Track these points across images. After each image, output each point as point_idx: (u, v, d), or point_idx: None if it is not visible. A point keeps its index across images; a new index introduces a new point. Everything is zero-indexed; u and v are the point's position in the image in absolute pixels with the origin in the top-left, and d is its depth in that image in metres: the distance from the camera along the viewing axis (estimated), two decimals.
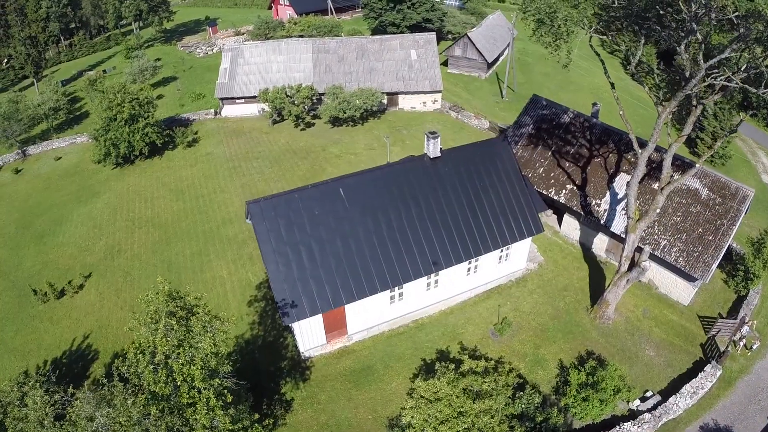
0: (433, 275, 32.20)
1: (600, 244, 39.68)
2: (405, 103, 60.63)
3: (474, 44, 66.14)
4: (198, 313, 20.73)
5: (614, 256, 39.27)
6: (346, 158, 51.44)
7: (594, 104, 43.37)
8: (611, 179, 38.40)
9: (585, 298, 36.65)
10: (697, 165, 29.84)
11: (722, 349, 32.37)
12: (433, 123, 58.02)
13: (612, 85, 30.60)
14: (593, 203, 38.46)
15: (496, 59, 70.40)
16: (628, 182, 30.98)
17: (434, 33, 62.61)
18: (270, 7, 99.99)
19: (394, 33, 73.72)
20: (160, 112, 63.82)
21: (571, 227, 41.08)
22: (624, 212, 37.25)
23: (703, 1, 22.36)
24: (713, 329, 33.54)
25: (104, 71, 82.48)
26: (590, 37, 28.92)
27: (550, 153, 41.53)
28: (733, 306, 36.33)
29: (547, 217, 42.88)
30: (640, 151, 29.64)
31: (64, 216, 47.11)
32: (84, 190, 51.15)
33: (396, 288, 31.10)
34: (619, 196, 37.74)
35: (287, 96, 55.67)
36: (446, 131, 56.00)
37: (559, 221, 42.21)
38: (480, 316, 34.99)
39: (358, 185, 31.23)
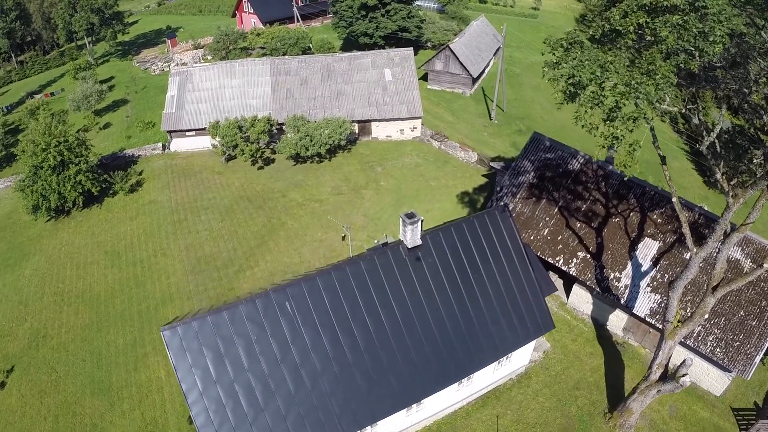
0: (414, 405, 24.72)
1: (617, 321, 32.50)
2: (379, 131, 52.73)
3: (457, 57, 58.26)
4: None
5: (633, 336, 32.21)
6: (310, 207, 43.55)
7: (609, 148, 35.83)
8: (633, 246, 31.10)
9: (601, 397, 29.60)
10: (739, 232, 22.06)
11: None
12: (413, 155, 50.23)
13: (662, 159, 22.91)
14: (611, 277, 31.14)
15: (482, 72, 62.62)
16: (671, 282, 23.56)
17: (411, 49, 54.54)
18: (234, 15, 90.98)
19: (367, 44, 65.41)
20: (104, 144, 55.92)
21: (581, 299, 33.77)
22: (649, 290, 30.01)
23: None
24: (752, 430, 27.18)
25: (52, 94, 73.51)
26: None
27: (556, 209, 34.02)
28: None
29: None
30: (693, 248, 21.91)
31: None
32: (13, 250, 43.18)
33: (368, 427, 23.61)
34: (643, 269, 30.47)
35: (240, 130, 47.49)
36: (428, 166, 48.35)
37: (567, 289, 34.87)
38: None
39: (311, 294, 23.52)
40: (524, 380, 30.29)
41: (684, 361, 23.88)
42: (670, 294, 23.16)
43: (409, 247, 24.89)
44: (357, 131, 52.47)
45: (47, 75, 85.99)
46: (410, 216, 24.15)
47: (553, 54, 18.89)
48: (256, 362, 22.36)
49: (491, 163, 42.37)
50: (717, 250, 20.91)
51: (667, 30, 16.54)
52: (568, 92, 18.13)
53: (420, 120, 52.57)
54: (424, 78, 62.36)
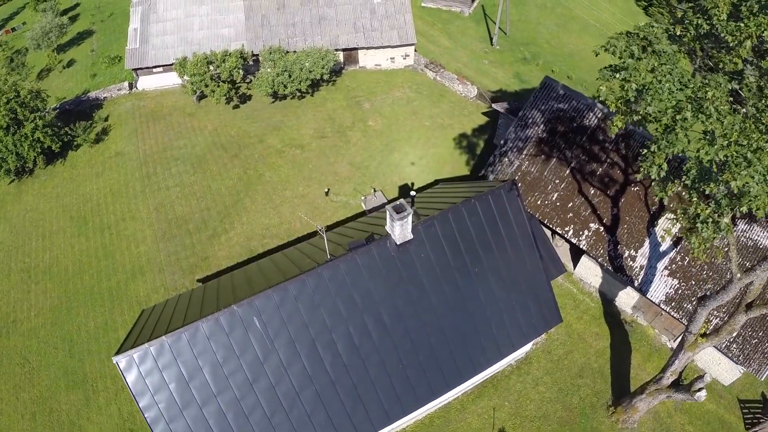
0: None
1: (626, 298, 29.72)
2: (367, 59, 47.00)
3: None
4: None
5: (643, 315, 29.58)
6: (290, 155, 39.18)
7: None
8: (653, 221, 27.56)
9: (605, 386, 27.57)
10: None
11: None
12: (405, 88, 44.96)
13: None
14: (626, 255, 27.88)
15: None
16: (702, 298, 20.21)
17: None
18: None
19: None
20: (68, 86, 50.21)
21: (589, 271, 30.77)
22: (667, 273, 26.92)
23: None
24: (758, 428, 25.56)
25: (13, 29, 65.52)
26: None
27: (568, 171, 30.02)
28: None
29: (557, 247, 32.28)
30: (738, 274, 18.12)
31: None
32: None
33: None
34: (662, 248, 27.16)
35: (210, 66, 41.93)
36: (422, 101, 43.33)
37: (574, 259, 31.75)
38: (469, 428, 25.74)
39: (283, 306, 20.24)
40: (524, 366, 27.97)
41: (702, 376, 21.26)
42: (699, 309, 19.96)
43: (398, 243, 21.27)
44: (342, 60, 46.76)
45: (8, 8, 76.49)
46: (398, 209, 20.29)
47: (620, 60, 13.73)
48: (225, 386, 19.57)
49: (494, 105, 37.58)
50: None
51: None
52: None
53: (413, 47, 46.72)
54: None
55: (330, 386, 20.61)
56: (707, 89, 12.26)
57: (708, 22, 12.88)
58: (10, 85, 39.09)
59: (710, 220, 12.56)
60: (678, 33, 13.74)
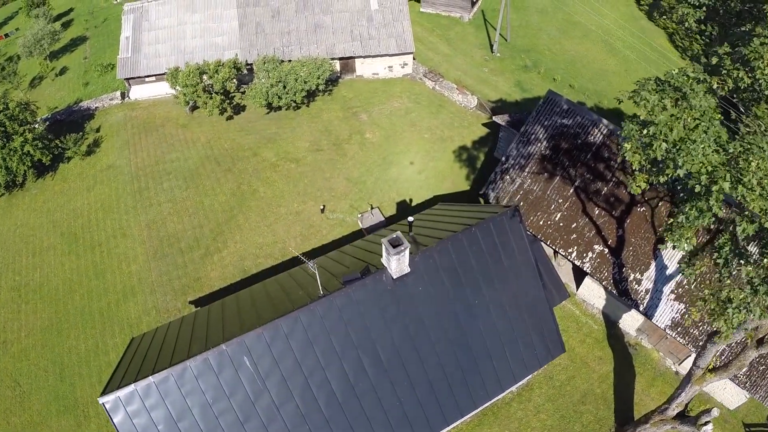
0: None
1: (631, 321, 28.90)
2: (365, 68, 46.00)
3: None
4: None
5: (647, 338, 28.77)
6: (284, 169, 38.24)
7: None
8: (659, 243, 26.64)
9: (608, 413, 26.86)
10: None
11: None
12: (403, 98, 44.00)
13: None
14: (631, 278, 27.01)
15: None
16: (711, 333, 19.34)
17: None
18: None
19: None
20: (60, 95, 49.29)
21: (593, 292, 29.90)
22: (673, 297, 26.07)
23: None
24: None
25: (6, 35, 64.54)
26: None
27: (572, 190, 29.10)
28: None
29: (560, 266, 31.43)
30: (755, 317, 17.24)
31: None
32: None
33: None
34: (668, 272, 26.30)
35: (204, 76, 40.96)
36: (420, 111, 42.38)
37: (577, 279, 30.89)
38: None
39: (274, 344, 19.39)
40: (525, 393, 27.12)
41: (709, 410, 20.43)
42: (709, 346, 19.09)
43: (395, 277, 20.39)
44: (339, 69, 45.78)
45: (5, 10, 75.43)
46: (395, 243, 19.39)
47: (649, 114, 12.15)
48: (215, 427, 18.79)
49: (495, 118, 36.58)
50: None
51: None
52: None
53: (411, 55, 45.72)
54: None
55: (324, 426, 19.78)
56: (750, 158, 11.00)
57: (750, 75, 11.64)
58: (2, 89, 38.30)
59: (743, 307, 11.44)
60: (715, 86, 12.49)
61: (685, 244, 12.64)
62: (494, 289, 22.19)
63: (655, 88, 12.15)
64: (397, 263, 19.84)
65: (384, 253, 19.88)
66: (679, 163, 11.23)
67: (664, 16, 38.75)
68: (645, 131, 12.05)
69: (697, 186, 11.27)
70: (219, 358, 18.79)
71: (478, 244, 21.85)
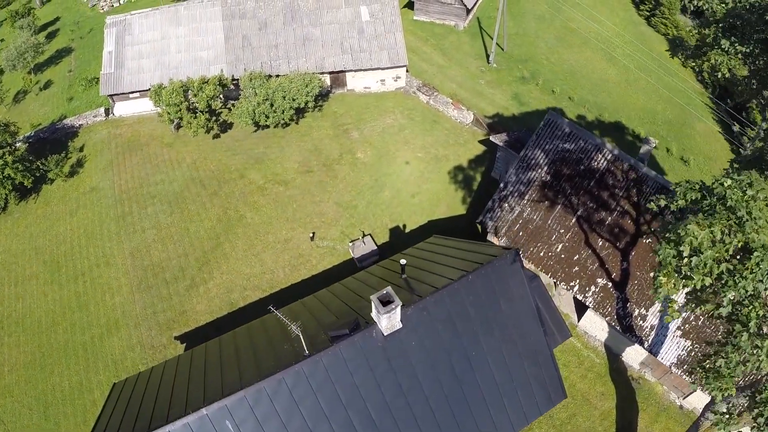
0: None
1: (634, 354, 27.68)
2: (356, 82, 44.50)
3: None
4: None
5: (651, 372, 27.52)
6: (272, 192, 36.80)
7: (645, 140, 28.95)
8: None
9: None
10: None
11: None
12: (396, 113, 42.52)
13: None
14: (636, 314, 25.74)
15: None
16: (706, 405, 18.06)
17: None
18: None
19: None
20: (43, 111, 48.00)
21: (595, 325, 28.64)
22: (680, 334, 24.82)
23: None
24: None
25: None
26: None
27: (574, 220, 27.76)
28: None
29: (560, 297, 30.16)
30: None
31: None
32: None
33: None
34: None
35: (188, 93, 39.44)
36: (414, 128, 40.92)
37: (579, 310, 29.61)
38: None
39: (257, 406, 18.03)
40: None
41: None
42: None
43: (385, 334, 19.03)
44: (329, 83, 44.29)
45: None
46: (385, 301, 18.03)
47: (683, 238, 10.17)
48: None
49: (492, 138, 35.14)
50: None
51: None
52: None
53: (404, 68, 44.24)
54: (410, 6, 52.62)
55: None
56: None
57: None
58: None
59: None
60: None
61: (721, 395, 11.21)
62: (493, 338, 20.87)
63: (706, 211, 10.25)
64: (387, 321, 18.50)
65: (374, 310, 18.51)
66: (724, 302, 9.75)
67: (691, 60, 36.59)
68: (686, 261, 10.37)
69: (744, 333, 9.81)
70: (200, 424, 17.46)
71: (476, 293, 20.53)
